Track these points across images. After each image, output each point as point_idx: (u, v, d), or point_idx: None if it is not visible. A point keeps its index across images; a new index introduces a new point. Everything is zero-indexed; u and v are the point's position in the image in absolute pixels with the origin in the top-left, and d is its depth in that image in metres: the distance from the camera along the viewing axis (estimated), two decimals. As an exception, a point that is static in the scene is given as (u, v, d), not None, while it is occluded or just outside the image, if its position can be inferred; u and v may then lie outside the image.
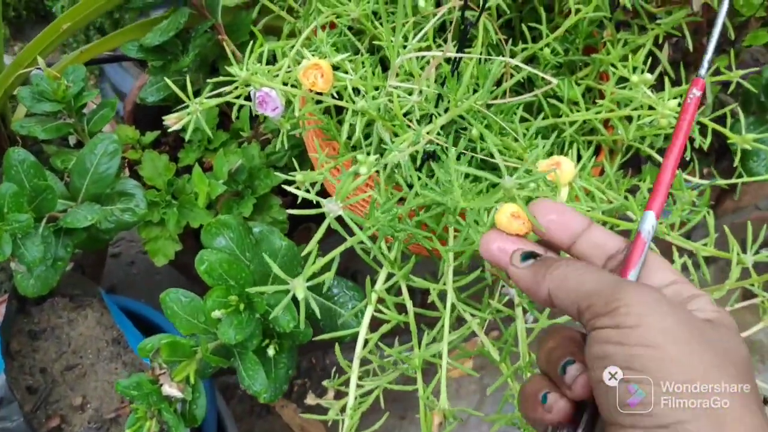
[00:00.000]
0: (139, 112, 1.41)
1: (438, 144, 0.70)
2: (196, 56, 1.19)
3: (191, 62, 1.18)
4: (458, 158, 0.79)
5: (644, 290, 0.42)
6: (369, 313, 0.75)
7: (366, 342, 0.75)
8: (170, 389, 0.76)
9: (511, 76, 0.85)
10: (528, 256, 0.48)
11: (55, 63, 1.24)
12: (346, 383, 0.80)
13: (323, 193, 0.79)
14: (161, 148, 1.29)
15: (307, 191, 0.68)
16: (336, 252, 0.60)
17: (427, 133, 0.68)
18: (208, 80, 0.71)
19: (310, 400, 0.84)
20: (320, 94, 0.69)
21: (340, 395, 0.82)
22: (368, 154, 0.80)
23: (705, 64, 0.53)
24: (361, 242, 0.64)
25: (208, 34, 1.20)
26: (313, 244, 0.58)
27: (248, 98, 0.75)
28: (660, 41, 0.88)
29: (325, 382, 0.85)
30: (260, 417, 1.62)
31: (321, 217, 0.61)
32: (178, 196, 1.12)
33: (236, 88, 0.72)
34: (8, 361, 1.06)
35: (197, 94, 1.23)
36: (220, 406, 1.41)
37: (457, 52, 0.71)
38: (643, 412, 0.38)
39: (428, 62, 0.77)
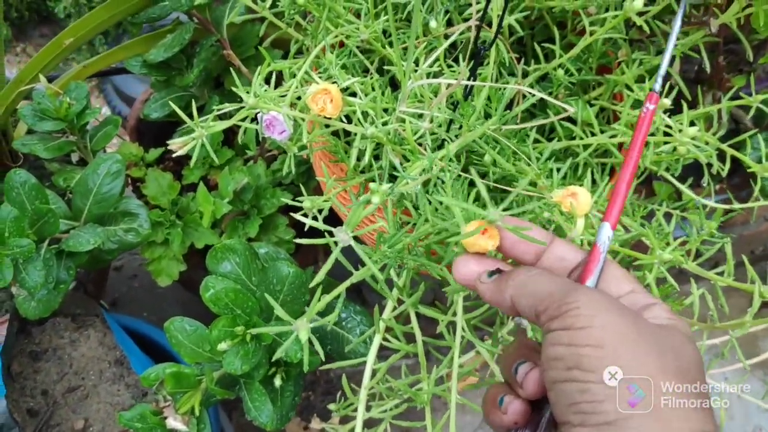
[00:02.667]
0: (142, 126, 1.39)
1: (450, 171, 0.68)
2: (200, 71, 1.17)
3: (196, 78, 1.16)
4: (471, 184, 0.77)
5: (594, 294, 0.43)
6: (377, 342, 0.73)
7: (374, 372, 0.73)
8: (175, 422, 0.74)
9: (523, 96, 0.83)
10: (493, 273, 0.50)
11: (58, 75, 1.22)
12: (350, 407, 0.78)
13: (331, 216, 0.77)
14: (165, 164, 1.27)
15: (315, 218, 0.66)
16: (342, 287, 0.58)
17: (440, 159, 0.66)
18: (215, 106, 0.69)
19: (315, 424, 0.82)
20: (329, 118, 0.68)
21: (345, 417, 0.80)
22: (379, 177, 0.78)
23: (658, 80, 0.54)
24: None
25: (213, 48, 1.19)
26: (320, 277, 0.56)
27: (255, 119, 0.73)
28: (676, 62, 0.86)
29: (330, 406, 0.83)
30: (263, 430, 1.60)
31: (327, 234, 0.59)
32: (182, 216, 1.10)
33: (241, 109, 0.70)
34: (9, 383, 1.04)
35: (202, 109, 1.22)
36: (223, 421, 1.39)
37: (470, 74, 0.69)
38: (592, 411, 0.39)
39: (439, 84, 0.75)
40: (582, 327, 0.41)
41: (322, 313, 0.56)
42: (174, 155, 0.68)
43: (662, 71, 0.54)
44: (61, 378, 1.10)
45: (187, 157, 1.25)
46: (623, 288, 0.48)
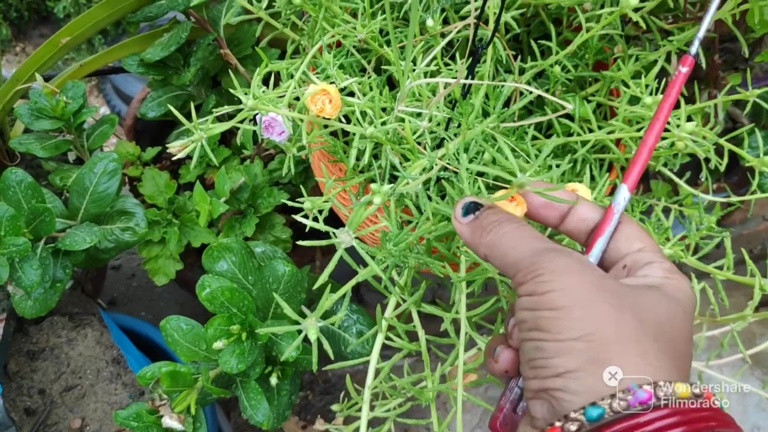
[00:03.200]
0: (139, 126, 1.39)
1: (450, 170, 0.68)
2: (197, 70, 1.16)
3: (193, 77, 1.16)
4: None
5: (560, 258, 0.45)
6: (380, 341, 0.72)
7: (376, 371, 0.73)
8: (171, 421, 0.74)
9: (521, 94, 0.83)
10: (468, 209, 0.51)
11: (54, 75, 1.22)
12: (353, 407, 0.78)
13: (330, 216, 0.76)
14: (162, 164, 1.26)
15: (315, 219, 0.66)
16: (347, 287, 0.58)
17: (440, 158, 0.66)
18: (212, 105, 0.68)
19: (319, 425, 0.82)
20: (328, 119, 0.67)
21: (347, 417, 0.80)
22: (379, 177, 0.78)
23: (695, 42, 0.53)
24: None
25: (210, 47, 1.18)
26: (324, 277, 0.55)
27: (253, 120, 0.73)
28: (671, 58, 0.86)
29: (334, 407, 0.83)
30: (262, 430, 1.60)
31: (323, 234, 0.59)
32: (179, 215, 1.10)
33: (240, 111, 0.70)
34: (6, 382, 1.04)
35: (199, 108, 1.21)
36: (221, 420, 1.39)
37: (468, 73, 0.69)
38: (543, 366, 0.42)
39: (437, 83, 0.75)
40: (543, 292, 0.43)
41: (322, 315, 0.55)
42: (174, 158, 0.68)
43: (700, 34, 0.52)
44: (58, 377, 1.09)
45: (186, 156, 1.25)
46: (633, 246, 0.48)
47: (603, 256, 0.49)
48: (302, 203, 0.70)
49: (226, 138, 1.27)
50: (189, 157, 0.69)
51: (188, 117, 0.67)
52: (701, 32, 0.53)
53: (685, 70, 0.52)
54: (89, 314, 1.15)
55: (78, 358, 1.11)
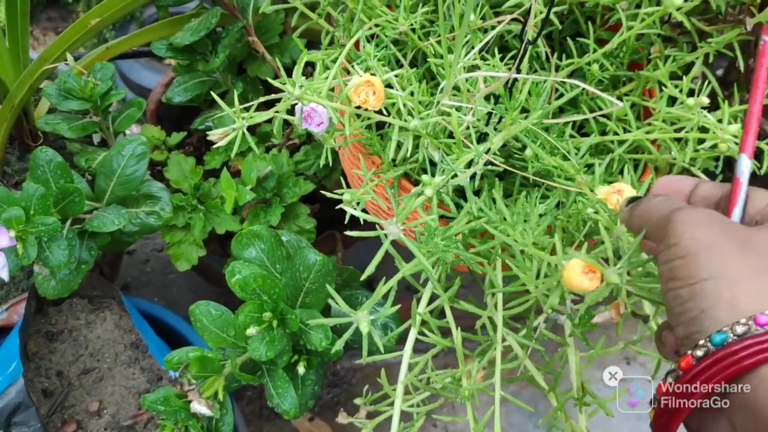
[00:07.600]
0: (162, 111, 1.38)
1: (496, 165, 0.67)
2: (225, 57, 1.16)
3: (221, 64, 1.16)
4: (503, 175, 0.76)
5: (691, 212, 0.48)
6: (413, 336, 0.72)
7: (410, 366, 0.73)
8: (199, 406, 0.74)
9: (556, 91, 0.83)
10: (631, 201, 0.56)
11: (80, 56, 1.21)
12: (378, 401, 0.78)
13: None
14: (185, 149, 1.26)
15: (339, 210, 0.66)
16: (395, 279, 0.58)
17: (485, 152, 0.66)
18: (238, 92, 0.68)
19: (342, 418, 0.82)
20: (367, 110, 0.67)
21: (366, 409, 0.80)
22: (413, 171, 0.78)
23: None
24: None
25: (237, 34, 1.18)
26: (371, 269, 0.55)
27: (290, 111, 0.73)
28: (710, 60, 0.85)
29: (357, 401, 0.82)
30: (269, 420, 1.60)
31: (344, 225, 0.59)
32: (203, 201, 1.09)
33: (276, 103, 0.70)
34: (25, 362, 1.04)
35: (224, 95, 1.21)
36: (235, 410, 1.39)
37: (511, 68, 0.68)
38: (681, 312, 0.45)
39: (476, 79, 0.74)
40: (674, 243, 0.46)
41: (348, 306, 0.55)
42: (217, 146, 0.68)
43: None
44: (76, 359, 1.09)
45: (208, 142, 1.25)
46: (760, 204, 0.51)
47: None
48: (340, 194, 0.69)
49: (251, 127, 1.26)
50: (210, 142, 0.69)
51: (212, 103, 0.67)
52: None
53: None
54: (108, 297, 1.15)
55: (96, 341, 1.11)
